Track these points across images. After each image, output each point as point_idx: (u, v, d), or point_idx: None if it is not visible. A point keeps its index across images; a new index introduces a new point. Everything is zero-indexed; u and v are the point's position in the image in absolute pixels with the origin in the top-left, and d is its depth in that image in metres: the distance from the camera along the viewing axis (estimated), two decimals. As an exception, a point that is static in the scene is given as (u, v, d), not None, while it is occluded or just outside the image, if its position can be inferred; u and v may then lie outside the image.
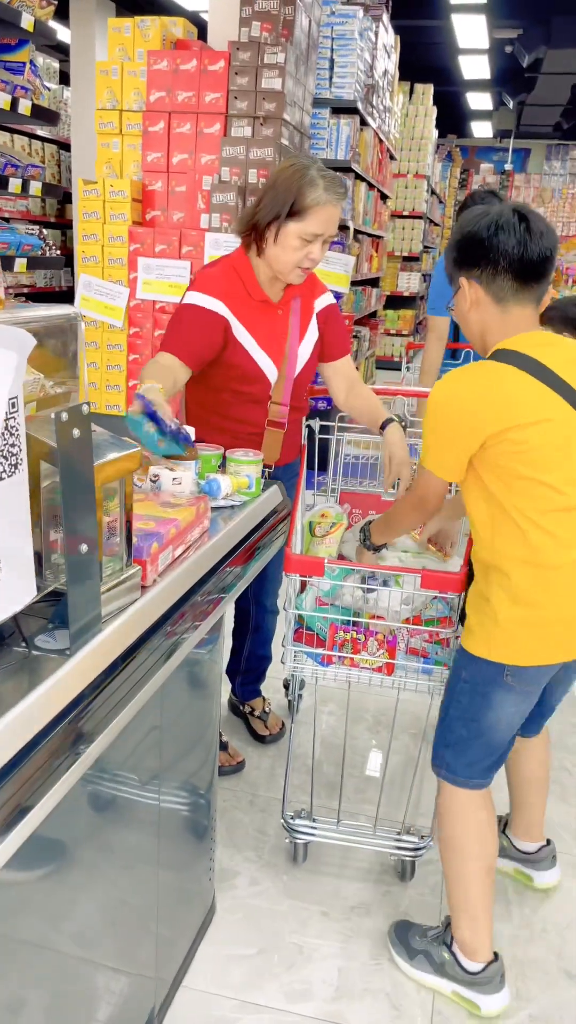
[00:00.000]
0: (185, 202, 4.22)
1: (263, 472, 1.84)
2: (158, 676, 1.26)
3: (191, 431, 1.66)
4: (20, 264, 3.89)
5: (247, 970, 1.84)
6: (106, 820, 1.36)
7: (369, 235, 6.58)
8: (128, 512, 1.24)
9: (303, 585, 1.99)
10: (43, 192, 3.95)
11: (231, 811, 2.32)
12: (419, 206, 9.60)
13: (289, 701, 2.46)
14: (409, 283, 9.93)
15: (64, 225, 7.48)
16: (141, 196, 4.27)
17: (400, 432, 2.07)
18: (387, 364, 9.45)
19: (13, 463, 0.94)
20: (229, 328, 2.07)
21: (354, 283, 6.07)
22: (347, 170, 5.22)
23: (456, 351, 3.83)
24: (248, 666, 2.60)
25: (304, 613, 1.92)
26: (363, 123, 5.55)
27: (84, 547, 1.07)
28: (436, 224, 12.34)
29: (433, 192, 10.87)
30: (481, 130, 14.96)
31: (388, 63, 6.43)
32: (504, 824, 2.15)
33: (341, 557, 2.06)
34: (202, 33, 4.75)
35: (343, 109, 5.11)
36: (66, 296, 7.07)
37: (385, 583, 1.83)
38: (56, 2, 3.52)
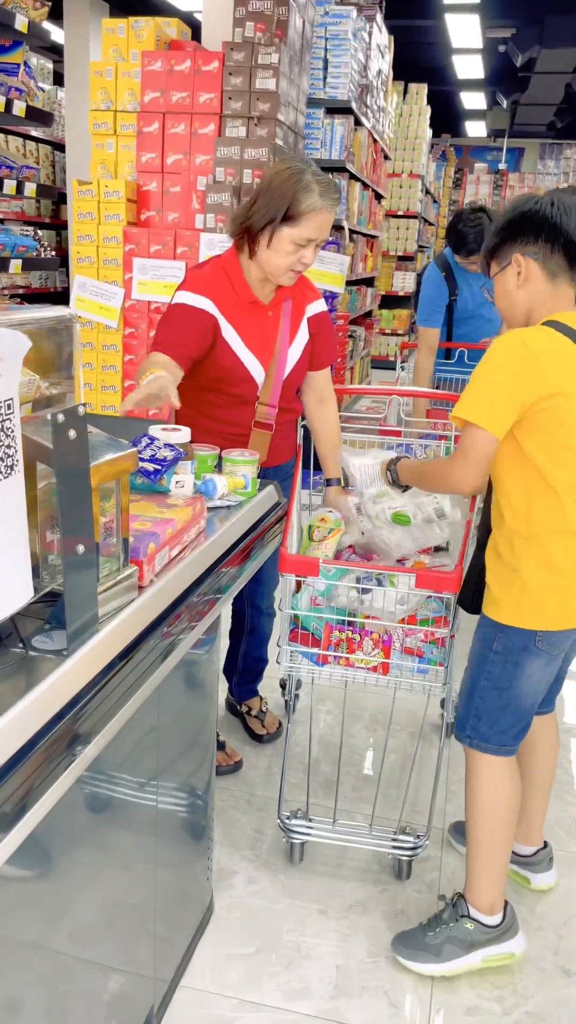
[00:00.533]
0: (180, 202, 4.22)
1: None
2: (155, 676, 1.26)
3: (187, 434, 1.66)
4: (15, 265, 3.89)
5: (245, 969, 1.85)
6: (103, 821, 1.36)
7: (364, 235, 6.59)
8: (125, 512, 1.25)
9: (298, 585, 2.00)
10: (37, 193, 3.95)
11: (229, 810, 2.32)
12: (414, 206, 9.61)
13: (286, 701, 2.46)
14: (404, 283, 9.95)
15: (59, 226, 7.48)
16: (136, 196, 4.27)
17: (342, 495, 2.15)
18: (382, 363, 9.47)
19: (9, 464, 0.94)
20: (218, 327, 2.07)
21: (349, 283, 6.08)
22: (342, 170, 5.23)
23: (450, 351, 3.83)
24: (245, 667, 2.60)
25: (300, 613, 1.93)
26: (357, 123, 5.55)
27: (81, 548, 1.07)
28: (431, 224, 12.35)
29: (428, 192, 10.88)
30: (475, 129, 14.98)
31: (382, 63, 6.44)
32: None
33: (337, 557, 2.06)
34: (196, 33, 4.76)
35: (337, 109, 5.12)
36: (61, 297, 7.07)
37: (380, 583, 1.84)
38: (50, 3, 3.52)
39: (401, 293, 9.92)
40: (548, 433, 1.61)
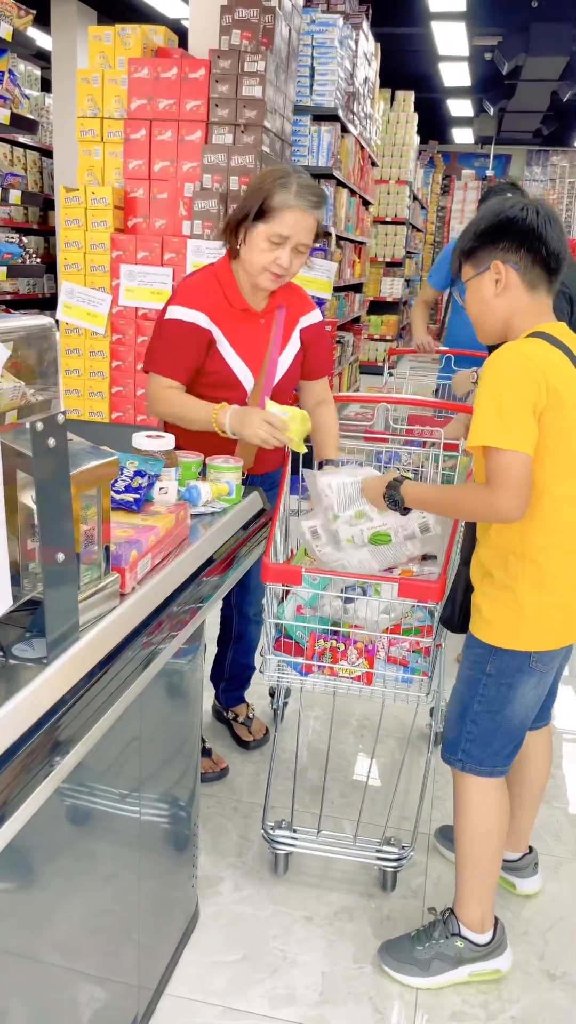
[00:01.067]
0: (167, 209, 4.23)
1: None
2: (136, 685, 1.26)
3: (170, 440, 1.66)
4: (0, 272, 3.89)
5: (231, 976, 1.84)
6: (86, 831, 1.36)
7: (352, 241, 6.61)
8: (106, 520, 1.25)
9: (285, 593, 1.99)
10: (23, 200, 3.95)
11: (215, 817, 2.32)
12: (401, 212, 9.65)
13: (274, 710, 2.45)
14: (392, 288, 9.98)
15: (47, 232, 7.48)
16: (123, 203, 4.28)
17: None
18: (370, 369, 9.49)
19: (-13, 473, 0.94)
20: (213, 339, 2.09)
21: (337, 289, 6.10)
22: (328, 176, 5.25)
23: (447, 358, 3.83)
24: (232, 674, 2.60)
25: (284, 622, 1.92)
26: (344, 130, 5.57)
27: (61, 556, 1.07)
28: (419, 230, 12.40)
29: (415, 198, 10.93)
30: (462, 136, 15.05)
31: (369, 70, 6.46)
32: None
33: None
34: (183, 41, 4.77)
35: (324, 116, 5.14)
36: (49, 302, 7.06)
37: (364, 592, 1.83)
38: (35, 11, 3.53)
39: (389, 299, 9.95)
40: (544, 446, 1.54)
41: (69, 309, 4.35)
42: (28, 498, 1.09)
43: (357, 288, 7.71)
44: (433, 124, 13.23)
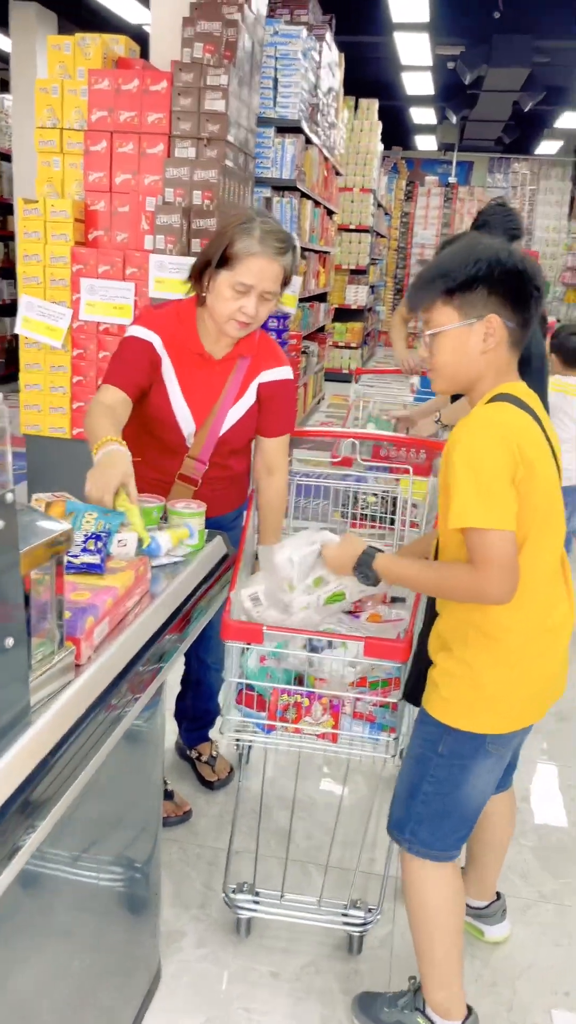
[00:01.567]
0: (128, 223, 4.14)
1: None
2: (95, 760, 1.20)
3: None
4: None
5: (194, 1039, 1.78)
6: (42, 900, 1.29)
7: (316, 251, 6.57)
8: (60, 591, 1.18)
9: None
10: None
11: (177, 864, 2.25)
12: (365, 219, 9.64)
13: (239, 754, 2.37)
14: (357, 296, 9.96)
15: (6, 237, 7.33)
16: (83, 216, 4.18)
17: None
18: (336, 376, 9.47)
19: None
20: (159, 366, 2.03)
21: (302, 299, 6.05)
22: (292, 189, 5.21)
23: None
24: (194, 715, 2.53)
25: (245, 681, 1.82)
26: (308, 141, 5.53)
27: (10, 642, 1.00)
28: (383, 236, 12.40)
29: (379, 205, 10.93)
30: (426, 143, 15.10)
31: (333, 80, 6.43)
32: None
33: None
34: (144, 48, 4.68)
35: (288, 128, 5.09)
36: (10, 309, 6.91)
37: (331, 644, 1.78)
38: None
39: (354, 306, 9.94)
40: (519, 520, 1.45)
41: (28, 323, 4.25)
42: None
43: (322, 298, 7.68)
44: (397, 131, 13.25)
